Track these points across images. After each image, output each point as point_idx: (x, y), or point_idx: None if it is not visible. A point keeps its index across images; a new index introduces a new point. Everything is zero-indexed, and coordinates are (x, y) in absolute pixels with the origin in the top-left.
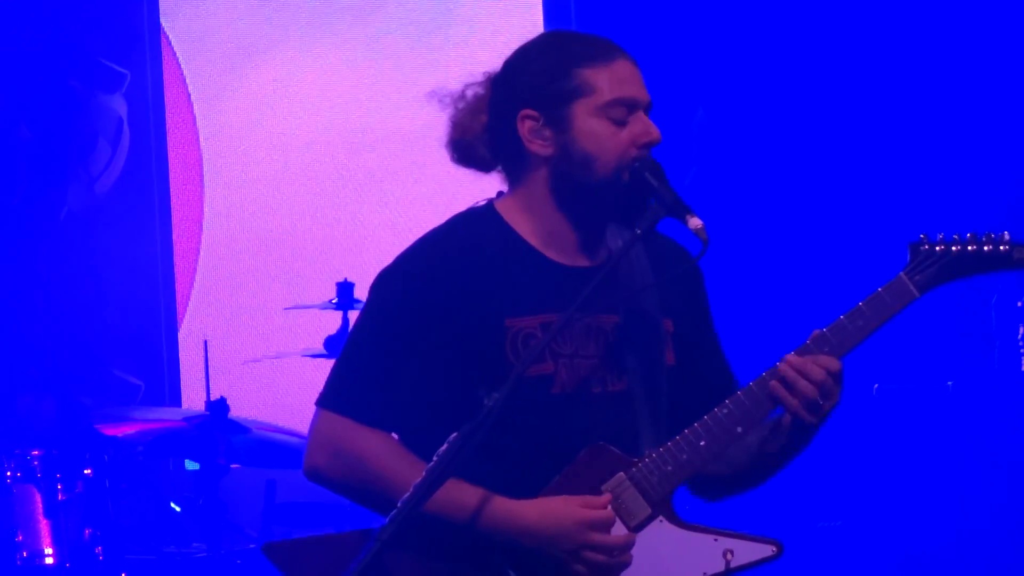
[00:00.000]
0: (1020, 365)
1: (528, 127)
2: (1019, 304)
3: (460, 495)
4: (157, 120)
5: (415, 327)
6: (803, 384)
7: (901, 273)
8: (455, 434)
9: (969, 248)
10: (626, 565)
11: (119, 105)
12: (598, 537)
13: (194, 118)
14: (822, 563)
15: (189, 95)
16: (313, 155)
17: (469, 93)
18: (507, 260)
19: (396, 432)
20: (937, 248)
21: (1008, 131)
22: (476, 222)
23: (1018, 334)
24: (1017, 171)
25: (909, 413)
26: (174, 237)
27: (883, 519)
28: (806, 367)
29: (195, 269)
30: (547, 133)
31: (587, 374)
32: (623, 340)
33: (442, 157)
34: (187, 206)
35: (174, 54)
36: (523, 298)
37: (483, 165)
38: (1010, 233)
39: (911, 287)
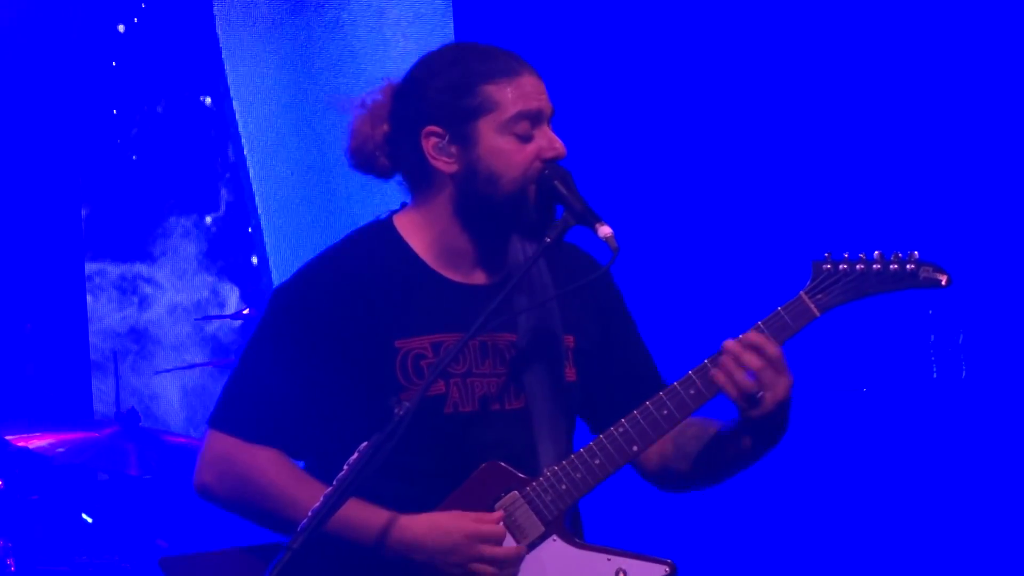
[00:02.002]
0: (931, 372)
1: (433, 143)
2: (930, 312)
3: (354, 512)
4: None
5: (306, 346)
6: (739, 374)
7: (802, 292)
8: (365, 444)
9: (874, 267)
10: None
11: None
12: (487, 550)
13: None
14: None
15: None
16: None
17: (369, 100)
18: (400, 280)
19: (286, 450)
20: (840, 267)
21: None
22: (373, 240)
23: (929, 341)
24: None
25: (825, 419)
26: (86, 247)
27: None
28: (740, 354)
29: (108, 279)
30: (452, 150)
31: (482, 393)
32: (520, 358)
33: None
34: (101, 212)
35: None
36: (413, 319)
37: (382, 173)
38: (920, 252)
39: (811, 307)
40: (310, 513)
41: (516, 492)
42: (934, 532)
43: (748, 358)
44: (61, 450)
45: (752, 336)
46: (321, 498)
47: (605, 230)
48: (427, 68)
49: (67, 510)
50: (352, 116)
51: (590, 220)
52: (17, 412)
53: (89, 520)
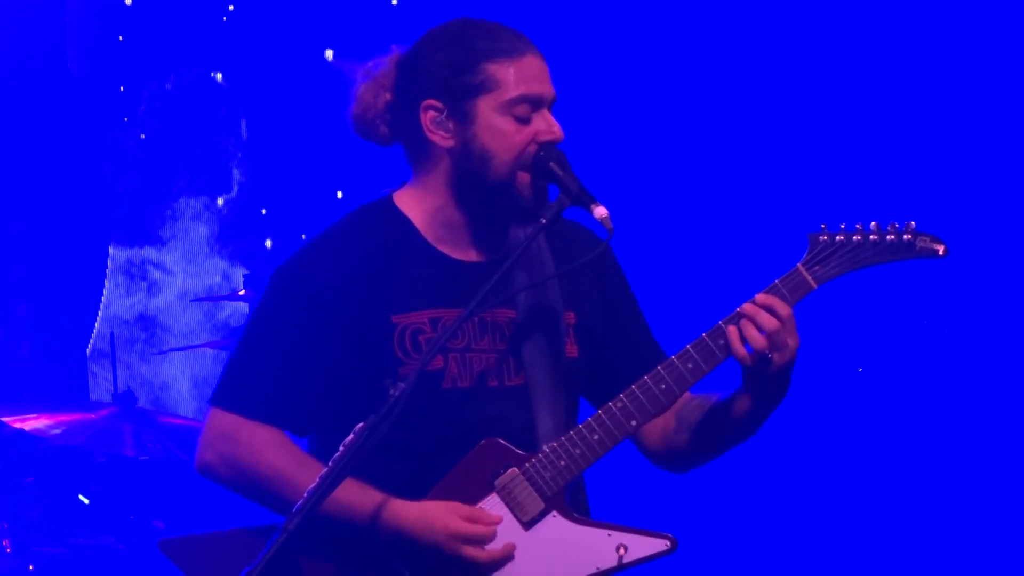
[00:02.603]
0: (927, 352)
1: (431, 117)
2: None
3: (348, 493)
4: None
5: (305, 324)
6: (753, 333)
7: (799, 264)
8: (361, 424)
9: (870, 238)
10: (511, 564)
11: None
12: (468, 551)
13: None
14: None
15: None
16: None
17: (374, 68)
18: (398, 256)
19: (288, 428)
20: (837, 238)
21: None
22: (373, 217)
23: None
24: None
25: (820, 401)
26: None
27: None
28: (756, 315)
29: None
30: (450, 125)
31: (481, 369)
32: (520, 334)
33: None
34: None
35: None
36: (410, 294)
37: (382, 141)
38: (916, 223)
39: (808, 279)
40: (306, 494)
41: (515, 468)
42: (935, 512)
43: (763, 318)
44: (57, 431)
45: (766, 297)
46: (318, 479)
47: (600, 211)
48: (432, 41)
49: (64, 491)
50: (357, 82)
51: (585, 201)
52: (13, 393)
53: (86, 501)
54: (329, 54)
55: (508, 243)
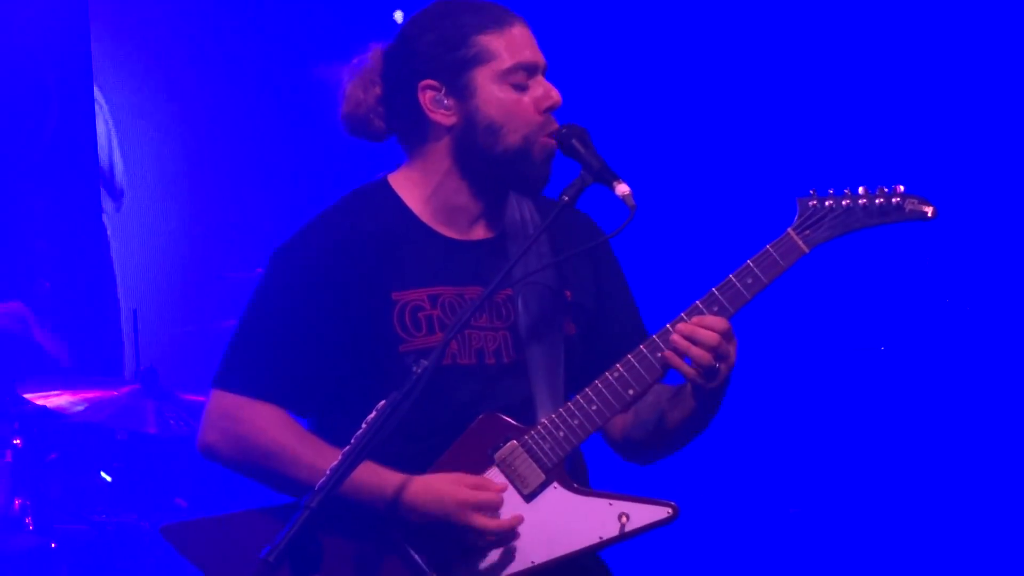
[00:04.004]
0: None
1: (430, 97)
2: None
3: (355, 471)
4: (86, 83)
5: (305, 303)
6: (695, 351)
7: (789, 229)
8: (383, 402)
9: (859, 202)
10: (514, 537)
11: (47, 71)
12: (479, 520)
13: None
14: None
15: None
16: (245, 118)
17: (359, 65)
18: (396, 235)
19: (290, 407)
20: (826, 203)
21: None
22: (369, 198)
23: (947, 301)
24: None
25: (844, 378)
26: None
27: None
28: (695, 333)
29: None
30: (449, 102)
31: (479, 346)
32: (518, 312)
33: None
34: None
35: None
36: (410, 272)
37: (377, 136)
38: (904, 186)
39: (799, 243)
40: (328, 471)
41: (515, 441)
42: (952, 490)
43: (703, 335)
44: (80, 408)
45: (702, 319)
46: (340, 456)
47: (623, 188)
48: (417, 25)
49: (86, 469)
50: (344, 82)
51: (608, 178)
52: (36, 370)
53: (108, 479)
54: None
55: (505, 221)
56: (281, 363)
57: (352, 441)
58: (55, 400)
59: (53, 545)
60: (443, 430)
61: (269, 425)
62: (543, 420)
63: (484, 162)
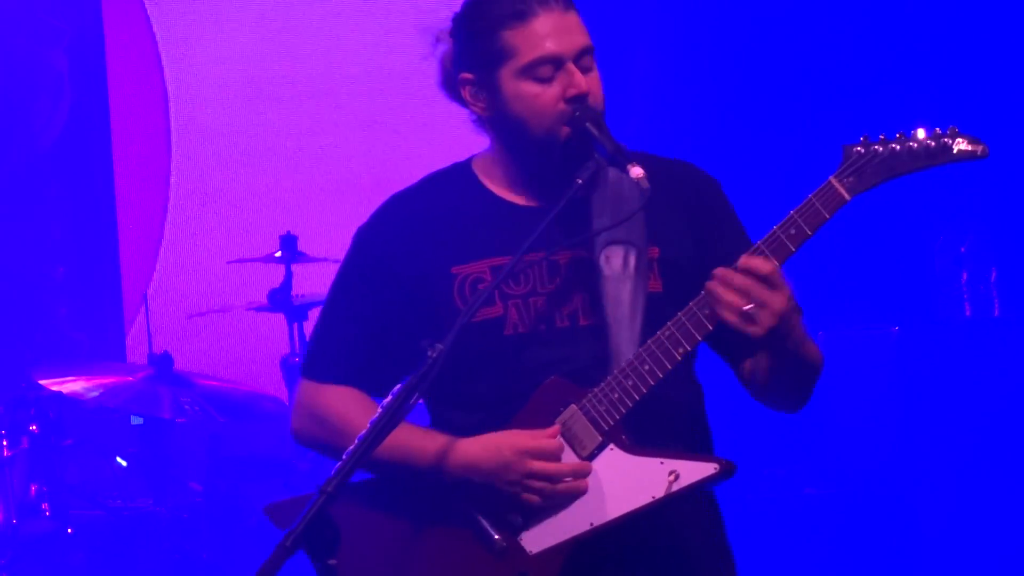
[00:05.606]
0: (964, 310)
1: (468, 90)
2: (962, 250)
3: (411, 439)
4: (98, 74)
5: (371, 284)
6: (728, 296)
7: (831, 177)
8: (399, 385)
9: (908, 144)
10: (580, 492)
11: (59, 60)
12: (538, 465)
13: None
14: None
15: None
16: (254, 106)
17: (443, 36)
18: (462, 208)
19: (364, 388)
20: (873, 147)
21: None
22: (448, 177)
23: (961, 279)
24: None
25: (856, 359)
26: (117, 192)
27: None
28: (729, 277)
29: (141, 222)
30: (483, 96)
31: (548, 312)
32: (595, 273)
33: (388, 110)
34: (131, 160)
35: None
36: (472, 244)
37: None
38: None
39: (841, 190)
40: (344, 456)
41: (574, 405)
42: (966, 467)
43: (737, 280)
44: (95, 394)
45: (742, 260)
46: (355, 441)
47: (636, 171)
48: (459, 16)
49: (101, 454)
50: (435, 50)
51: (620, 161)
52: (50, 355)
53: (123, 464)
54: None
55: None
56: (351, 346)
57: (368, 425)
58: (70, 386)
59: (70, 531)
60: (512, 400)
61: (337, 405)
62: (602, 383)
63: (523, 152)
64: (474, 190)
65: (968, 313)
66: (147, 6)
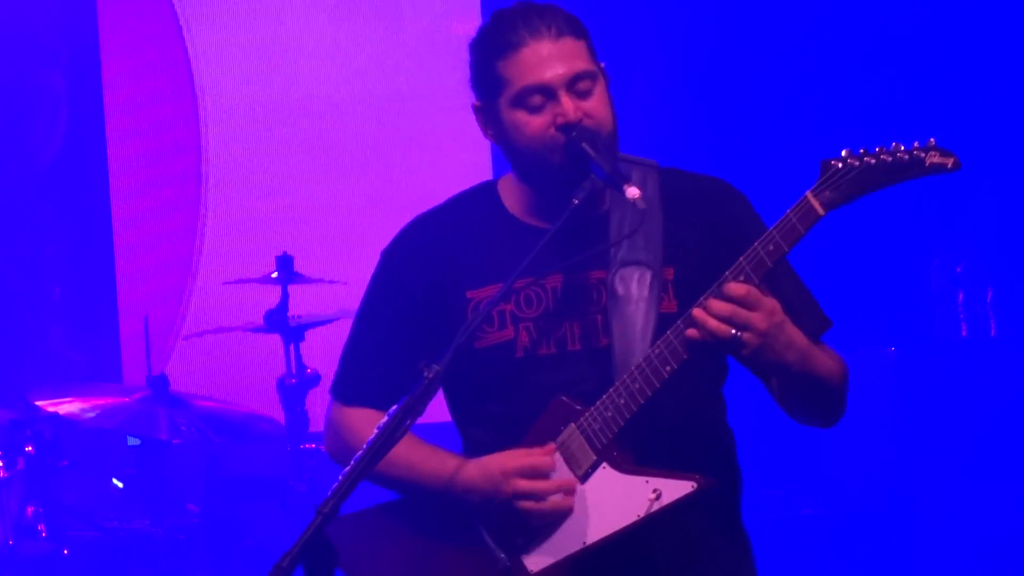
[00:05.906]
0: (960, 330)
1: (479, 118)
2: (958, 270)
3: (426, 463)
4: (95, 94)
5: (393, 305)
6: (711, 324)
7: (807, 192)
8: (395, 406)
9: (882, 158)
10: (566, 509)
11: (56, 81)
12: (523, 484)
13: (158, 93)
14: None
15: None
16: (250, 128)
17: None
18: (481, 231)
19: (382, 410)
20: (849, 162)
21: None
22: (472, 199)
23: (958, 300)
24: None
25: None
26: (114, 212)
27: (828, 486)
28: (709, 305)
29: (137, 242)
30: (490, 123)
31: (560, 334)
32: (608, 295)
33: (384, 130)
34: (128, 180)
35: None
36: (486, 268)
37: None
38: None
39: (815, 205)
40: (340, 477)
41: (573, 424)
42: (963, 488)
43: (716, 307)
44: (91, 415)
45: (723, 288)
46: (352, 461)
47: (632, 191)
48: (472, 41)
49: (97, 475)
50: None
51: (616, 181)
52: (46, 376)
53: (120, 485)
54: None
55: (607, 202)
56: (373, 367)
57: (364, 447)
58: (66, 407)
59: (66, 552)
60: (525, 420)
61: (359, 426)
62: (598, 402)
63: (524, 178)
64: (495, 212)
65: (964, 333)
66: (144, 27)
